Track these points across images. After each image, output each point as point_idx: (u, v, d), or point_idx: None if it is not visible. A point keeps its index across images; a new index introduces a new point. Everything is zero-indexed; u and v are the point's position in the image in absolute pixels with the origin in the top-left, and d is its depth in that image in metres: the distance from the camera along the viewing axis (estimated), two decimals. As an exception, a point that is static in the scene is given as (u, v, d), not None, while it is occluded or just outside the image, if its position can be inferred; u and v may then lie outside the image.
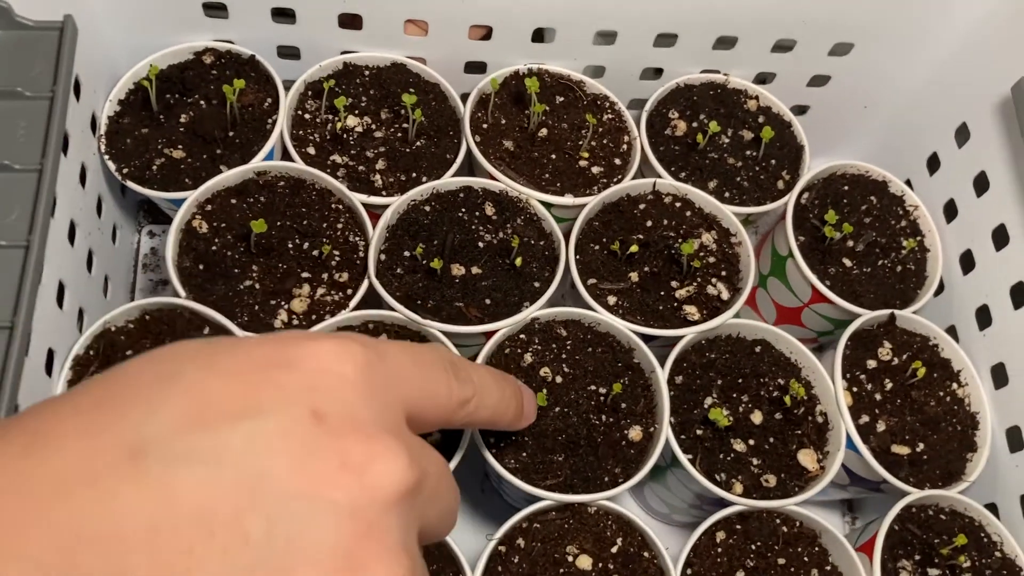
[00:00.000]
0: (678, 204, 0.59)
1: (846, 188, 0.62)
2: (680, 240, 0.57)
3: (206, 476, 0.20)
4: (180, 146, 0.57)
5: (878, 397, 0.56)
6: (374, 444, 0.22)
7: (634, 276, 0.56)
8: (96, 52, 0.56)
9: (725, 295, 0.56)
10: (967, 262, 0.60)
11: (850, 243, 0.60)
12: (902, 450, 0.54)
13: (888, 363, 0.57)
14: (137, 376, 0.22)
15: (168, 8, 0.58)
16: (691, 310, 0.55)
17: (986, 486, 0.56)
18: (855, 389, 0.56)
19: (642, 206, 0.58)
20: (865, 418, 0.55)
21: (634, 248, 0.55)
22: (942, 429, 0.56)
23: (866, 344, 0.57)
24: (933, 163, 0.64)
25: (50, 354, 0.49)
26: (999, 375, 0.56)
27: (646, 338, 0.54)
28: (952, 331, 0.60)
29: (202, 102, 0.58)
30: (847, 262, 0.60)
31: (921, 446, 0.55)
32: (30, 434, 0.21)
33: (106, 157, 0.56)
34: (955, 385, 0.57)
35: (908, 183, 0.65)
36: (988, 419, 0.56)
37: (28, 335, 0.41)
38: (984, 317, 0.58)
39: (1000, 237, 0.57)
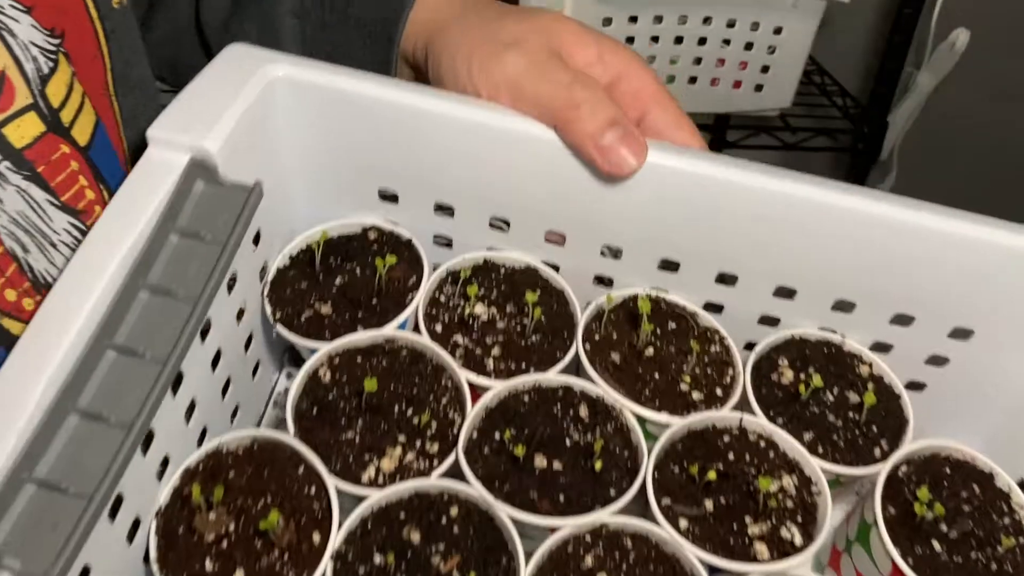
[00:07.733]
0: (763, 443, 0.60)
1: (947, 471, 0.61)
2: (759, 476, 0.57)
3: None
4: (329, 303, 0.64)
5: None
6: None
7: (709, 504, 0.57)
8: (282, 213, 0.66)
9: (799, 540, 0.56)
10: (1071, 572, 0.57)
11: (943, 527, 0.59)
12: None
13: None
14: None
15: (350, 191, 0.67)
16: (761, 548, 0.55)
17: None
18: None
19: (726, 438, 0.60)
20: None
21: (712, 476, 0.56)
22: None
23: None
24: (1048, 463, 0.62)
25: (165, 460, 0.55)
26: None
27: (711, 569, 0.54)
28: (1048, 645, 0.56)
29: (357, 269, 0.66)
30: (937, 545, 0.58)
31: None
32: None
33: (266, 300, 0.64)
34: None
35: (1021, 484, 0.62)
36: None
37: (144, 433, 0.47)
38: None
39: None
